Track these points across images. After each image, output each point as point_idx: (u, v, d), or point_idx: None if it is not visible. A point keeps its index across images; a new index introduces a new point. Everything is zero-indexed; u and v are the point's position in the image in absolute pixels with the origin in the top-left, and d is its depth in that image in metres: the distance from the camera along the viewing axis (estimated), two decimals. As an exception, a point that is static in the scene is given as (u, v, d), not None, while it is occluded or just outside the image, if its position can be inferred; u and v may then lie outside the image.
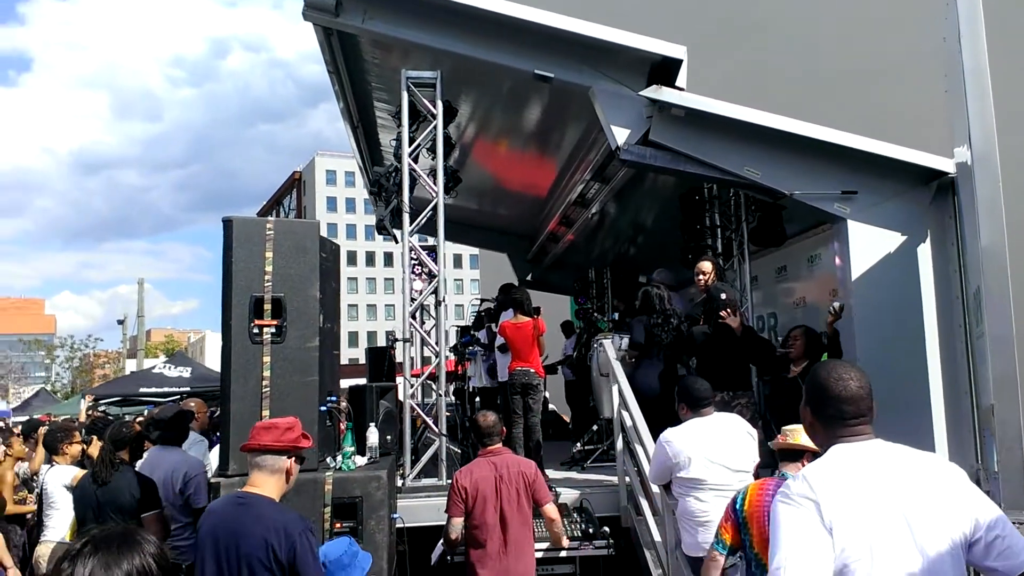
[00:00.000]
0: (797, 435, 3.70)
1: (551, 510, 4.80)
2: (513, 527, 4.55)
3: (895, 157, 6.06)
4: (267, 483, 3.05)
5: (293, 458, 3.12)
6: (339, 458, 4.86)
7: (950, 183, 5.96)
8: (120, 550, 1.67)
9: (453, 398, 10.94)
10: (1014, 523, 4.70)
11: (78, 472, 5.55)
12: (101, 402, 16.10)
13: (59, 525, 5.62)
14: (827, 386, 2.11)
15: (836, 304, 5.99)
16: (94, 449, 6.35)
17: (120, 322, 42.06)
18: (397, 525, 5.06)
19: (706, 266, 6.86)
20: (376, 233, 8.71)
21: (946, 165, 5.92)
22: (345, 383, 7.08)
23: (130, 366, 40.85)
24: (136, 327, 38.15)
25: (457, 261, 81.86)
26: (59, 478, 5.71)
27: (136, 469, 4.95)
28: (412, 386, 6.92)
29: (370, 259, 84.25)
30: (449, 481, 6.28)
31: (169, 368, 16.49)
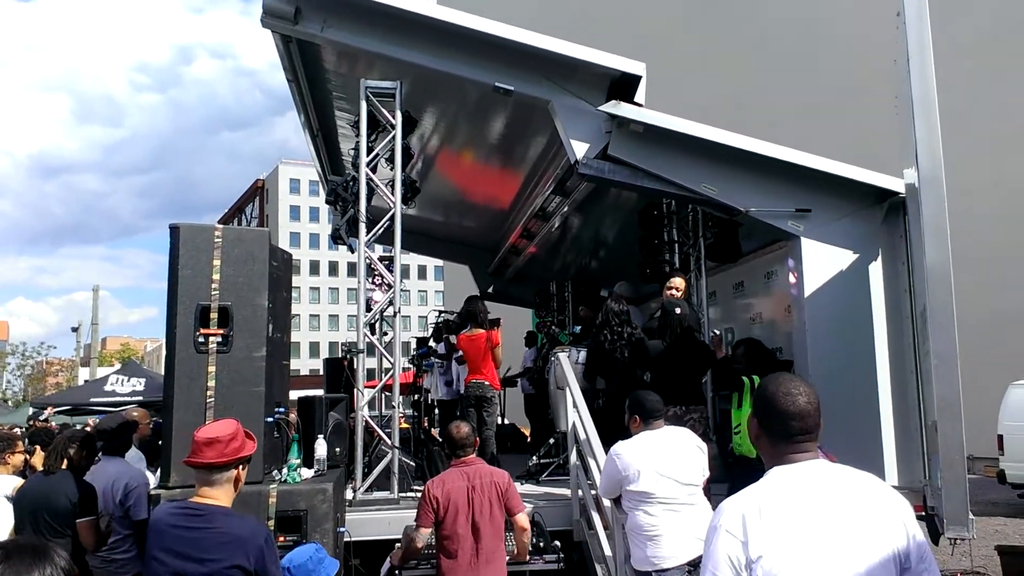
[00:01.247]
0: None
1: (523, 519, 4.75)
2: (485, 537, 4.50)
3: (847, 176, 6.16)
4: (218, 493, 2.98)
5: (240, 466, 3.05)
6: (284, 470, 4.77)
7: (901, 203, 6.06)
8: (32, 560, 1.66)
9: (411, 410, 10.85)
10: (957, 540, 4.78)
11: (19, 482, 5.38)
12: (52, 411, 15.69)
13: None
14: (775, 400, 2.08)
15: (715, 331, 6.63)
16: (37, 459, 6.19)
17: (74, 329, 41.20)
18: (344, 539, 4.98)
19: (679, 282, 6.94)
20: (335, 243, 8.62)
21: (897, 185, 6.02)
22: (305, 393, 6.98)
23: (83, 374, 39.95)
24: (91, 335, 37.32)
25: (422, 272, 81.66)
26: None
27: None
28: (367, 398, 6.83)
29: (333, 269, 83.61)
30: (401, 495, 6.25)
31: (121, 383, 16.01)
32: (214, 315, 4.58)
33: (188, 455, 3.05)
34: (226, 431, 3.04)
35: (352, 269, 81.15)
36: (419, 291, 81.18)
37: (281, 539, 4.37)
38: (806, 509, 1.93)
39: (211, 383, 4.53)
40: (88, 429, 6.11)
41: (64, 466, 4.66)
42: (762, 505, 1.94)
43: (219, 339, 4.58)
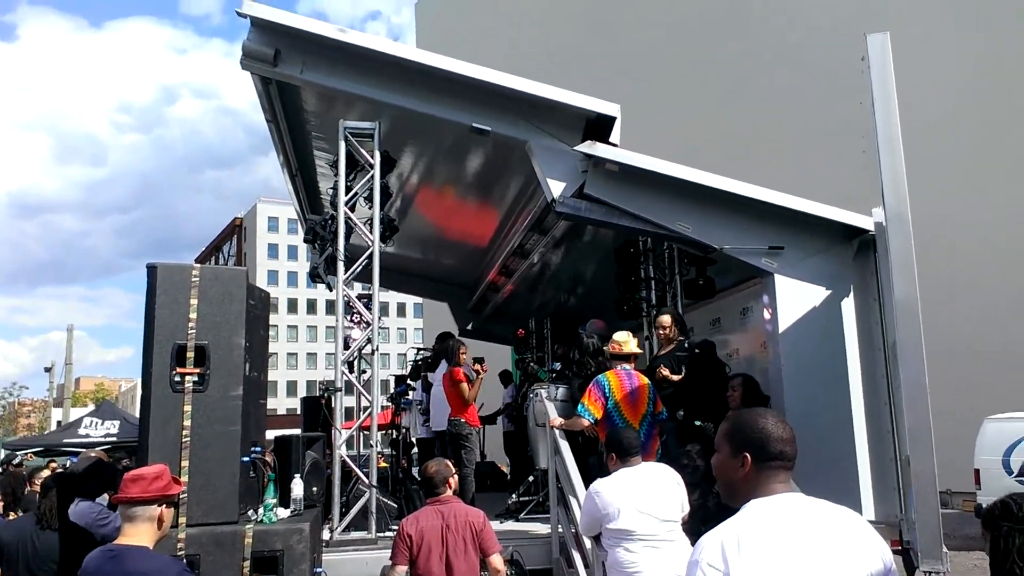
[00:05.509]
0: (627, 344, 6.06)
1: (497, 561, 4.71)
2: None
3: (819, 215, 6.28)
4: (138, 532, 3.04)
5: (164, 505, 3.11)
6: (261, 510, 4.72)
7: (871, 240, 6.19)
8: None
9: (389, 449, 10.76)
10: (932, 574, 4.80)
11: None
12: (31, 456, 15.43)
13: None
14: (767, 428, 2.10)
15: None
16: None
17: (47, 369, 40.54)
18: (321, 580, 4.92)
19: (665, 320, 6.90)
20: (313, 281, 8.61)
21: (866, 223, 6.15)
22: (282, 433, 6.92)
23: (56, 415, 39.25)
24: (64, 375, 36.72)
25: (401, 310, 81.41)
26: None
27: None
28: (344, 437, 6.79)
29: (311, 307, 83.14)
30: (379, 534, 6.19)
31: (95, 425, 15.81)
32: (191, 354, 4.57)
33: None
34: (152, 471, 3.17)
35: (330, 307, 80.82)
36: (398, 328, 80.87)
37: (258, 581, 4.32)
38: (785, 540, 1.94)
39: (187, 423, 4.50)
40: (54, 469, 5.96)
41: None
42: (740, 537, 1.94)
43: (195, 378, 4.56)
